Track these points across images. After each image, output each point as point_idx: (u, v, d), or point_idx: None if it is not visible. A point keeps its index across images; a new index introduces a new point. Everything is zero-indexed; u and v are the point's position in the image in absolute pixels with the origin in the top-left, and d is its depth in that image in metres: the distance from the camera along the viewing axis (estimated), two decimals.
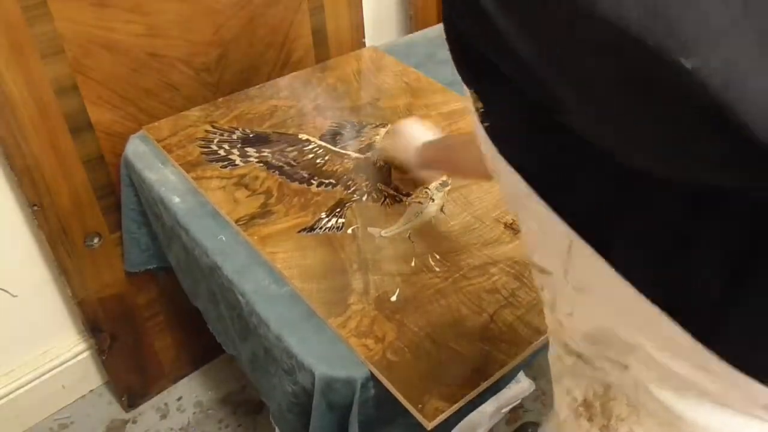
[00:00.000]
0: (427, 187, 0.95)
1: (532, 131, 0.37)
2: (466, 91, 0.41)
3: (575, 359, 0.46)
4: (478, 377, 0.70)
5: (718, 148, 0.26)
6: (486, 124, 0.39)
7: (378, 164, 0.99)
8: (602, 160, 0.33)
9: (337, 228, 0.89)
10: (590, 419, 0.46)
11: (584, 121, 0.31)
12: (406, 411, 0.68)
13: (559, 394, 0.51)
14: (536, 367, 1.48)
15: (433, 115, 1.11)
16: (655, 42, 0.23)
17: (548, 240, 0.41)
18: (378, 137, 1.06)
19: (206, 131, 1.07)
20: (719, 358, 0.33)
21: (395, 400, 0.69)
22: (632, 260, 0.35)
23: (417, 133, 0.91)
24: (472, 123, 0.43)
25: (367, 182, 0.97)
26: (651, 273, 0.35)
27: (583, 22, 0.25)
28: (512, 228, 0.88)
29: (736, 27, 0.23)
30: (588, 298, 0.41)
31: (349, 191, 0.95)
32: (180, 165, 1.00)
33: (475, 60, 0.36)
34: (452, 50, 0.38)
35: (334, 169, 1.00)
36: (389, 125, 1.09)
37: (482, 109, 0.39)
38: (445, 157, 0.86)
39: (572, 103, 0.30)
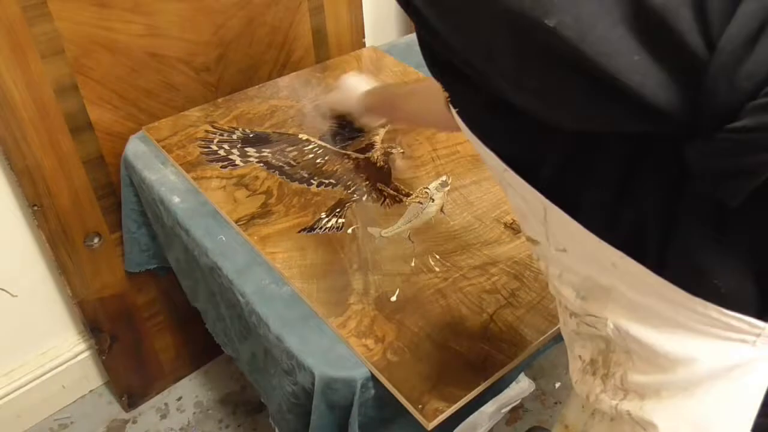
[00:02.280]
0: (427, 188, 0.95)
1: (492, 114, 0.43)
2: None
3: (577, 321, 0.50)
4: (478, 377, 0.70)
5: (595, 96, 0.32)
6: (456, 110, 0.46)
7: (329, 118, 1.08)
8: (553, 132, 0.38)
9: (337, 228, 0.89)
10: (594, 373, 0.51)
11: (508, 91, 0.37)
12: (406, 411, 0.68)
13: (572, 362, 0.55)
14: (536, 367, 1.48)
15: None
16: (525, 9, 0.31)
17: (530, 210, 0.47)
18: (378, 137, 1.06)
19: (206, 131, 1.07)
20: (673, 285, 0.39)
21: (395, 400, 0.69)
22: (594, 215, 0.41)
23: (359, 84, 1.00)
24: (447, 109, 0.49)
25: (367, 182, 0.97)
26: (610, 224, 0.41)
27: (481, 5, 0.33)
28: (512, 228, 0.88)
29: None
30: (568, 257, 0.46)
31: (349, 191, 0.95)
32: (180, 165, 1.00)
33: (435, 56, 0.44)
34: (420, 47, 0.46)
35: (334, 169, 1.00)
36: (389, 125, 1.09)
37: (449, 98, 0.45)
38: (387, 104, 0.94)
39: (493, 77, 0.37)
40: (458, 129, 0.52)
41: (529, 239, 0.52)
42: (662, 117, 0.31)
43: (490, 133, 0.45)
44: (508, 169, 0.44)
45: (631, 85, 0.30)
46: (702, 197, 0.37)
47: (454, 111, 0.46)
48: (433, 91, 0.68)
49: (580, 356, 0.53)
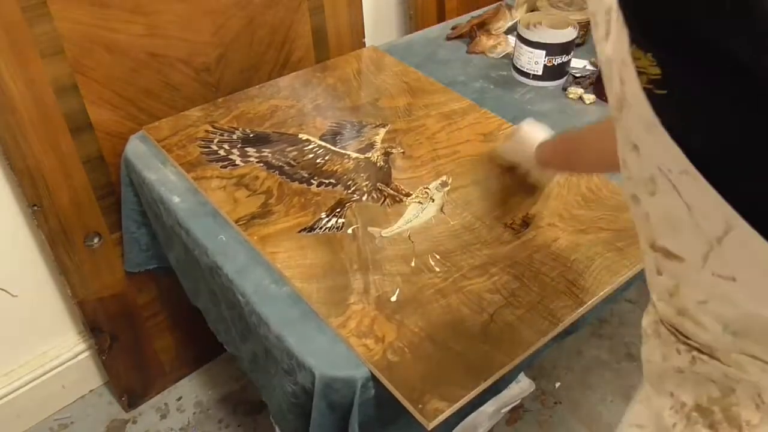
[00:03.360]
0: (427, 187, 0.95)
1: (719, 107, 0.34)
2: (625, 54, 0.37)
3: (693, 356, 0.44)
4: (478, 377, 0.70)
5: None
6: (661, 92, 0.36)
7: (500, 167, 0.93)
8: None
9: (337, 228, 0.89)
10: (711, 426, 0.44)
11: None
12: (407, 411, 0.68)
13: (656, 396, 0.49)
14: (536, 367, 1.48)
15: (433, 115, 1.11)
16: None
17: (695, 223, 0.39)
18: (378, 137, 1.06)
19: (206, 131, 1.07)
20: None
21: (395, 400, 0.69)
22: None
23: (536, 134, 0.87)
24: (621, 91, 0.40)
25: (367, 182, 0.97)
26: None
27: None
28: (512, 228, 0.88)
29: None
30: (734, 287, 0.39)
31: (349, 191, 0.95)
32: (180, 165, 1.00)
33: (669, 23, 0.34)
34: (640, 7, 0.36)
35: (334, 169, 1.00)
36: (389, 125, 1.09)
37: (658, 76, 0.36)
38: (563, 150, 0.82)
39: None
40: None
41: (662, 251, 0.44)
42: None
43: (697, 126, 0.36)
44: (691, 168, 0.36)
45: None
46: None
47: (644, 95, 0.37)
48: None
49: (673, 394, 0.47)
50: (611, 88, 0.40)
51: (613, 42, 0.38)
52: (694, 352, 0.44)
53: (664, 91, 0.36)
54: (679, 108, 0.36)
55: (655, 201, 0.42)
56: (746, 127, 0.33)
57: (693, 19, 0.31)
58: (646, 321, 0.49)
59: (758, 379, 0.40)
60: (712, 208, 0.36)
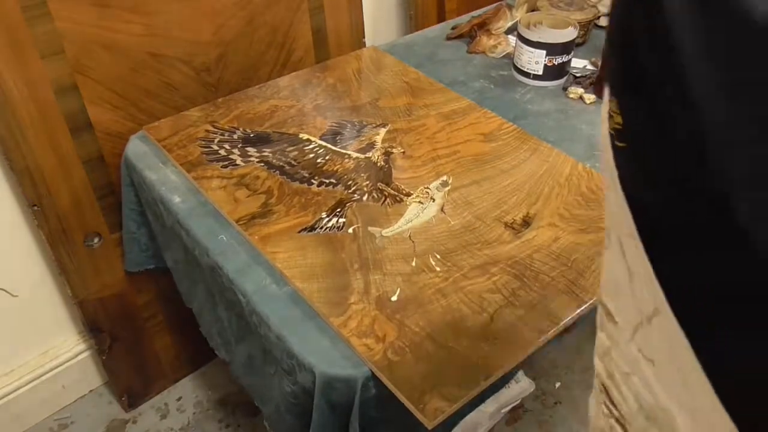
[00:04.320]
0: (427, 187, 0.95)
1: (676, 171, 0.30)
2: (604, 100, 0.35)
3: (611, 424, 0.42)
4: (479, 377, 0.70)
5: None
6: (621, 144, 0.33)
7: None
8: (745, 245, 0.27)
9: (338, 228, 0.89)
10: None
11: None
12: (407, 411, 0.68)
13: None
14: (536, 367, 1.48)
15: (434, 115, 1.11)
16: None
17: (632, 293, 0.36)
18: (378, 137, 1.06)
19: (206, 131, 1.07)
20: None
21: (396, 399, 0.69)
22: (726, 365, 0.30)
23: None
24: (602, 132, 0.37)
25: (367, 182, 0.97)
26: (744, 388, 0.30)
27: None
28: (512, 228, 0.88)
29: None
30: (652, 371, 0.37)
31: (350, 191, 0.95)
32: (180, 165, 1.00)
33: (636, 70, 0.31)
34: (613, 54, 0.33)
35: (335, 168, 1.00)
36: (389, 125, 1.09)
37: (620, 126, 0.33)
38: None
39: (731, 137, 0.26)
40: None
41: (606, 310, 0.41)
42: None
43: (647, 189, 0.32)
44: (640, 245, 0.33)
45: None
46: None
47: (610, 145, 0.34)
48: None
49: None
50: None
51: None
52: (612, 420, 0.42)
53: (623, 144, 0.33)
54: (633, 165, 0.33)
55: (606, 255, 0.40)
56: (693, 200, 0.30)
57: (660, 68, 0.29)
58: (595, 385, 0.46)
59: None
60: (647, 283, 0.33)
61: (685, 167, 0.29)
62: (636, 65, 0.30)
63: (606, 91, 0.34)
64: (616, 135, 0.33)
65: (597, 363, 0.44)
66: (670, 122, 0.29)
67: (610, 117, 0.33)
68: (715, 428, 0.31)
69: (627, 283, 0.37)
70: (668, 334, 0.32)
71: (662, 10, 0.26)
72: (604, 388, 0.43)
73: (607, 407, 0.42)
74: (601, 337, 0.43)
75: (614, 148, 0.34)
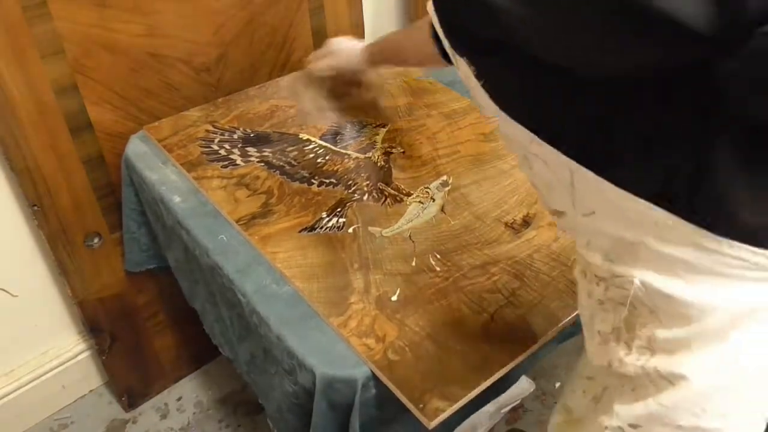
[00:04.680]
0: (427, 187, 0.95)
1: (522, 83, 0.45)
2: (461, 63, 0.48)
3: (605, 286, 0.51)
4: (479, 377, 0.70)
5: (634, 32, 0.34)
6: (482, 82, 0.47)
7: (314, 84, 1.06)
8: (582, 91, 0.41)
9: (338, 227, 0.89)
10: (617, 339, 0.51)
11: (547, 48, 0.40)
12: (407, 411, 0.68)
13: (589, 342, 0.56)
14: (536, 367, 1.48)
15: (434, 115, 1.11)
16: None
17: (556, 178, 0.47)
18: (378, 137, 1.06)
19: (207, 131, 1.07)
20: (704, 230, 0.40)
21: (396, 399, 0.69)
22: (624, 170, 0.42)
23: (351, 43, 1.00)
24: (468, 84, 0.51)
25: (367, 182, 0.97)
26: (640, 176, 0.42)
27: None
28: (512, 227, 0.88)
29: None
30: (596, 219, 0.47)
31: (350, 191, 0.95)
32: (181, 165, 1.00)
33: (463, 32, 0.46)
34: (443, 26, 0.48)
35: (335, 168, 1.00)
36: (389, 125, 1.09)
37: (475, 71, 0.47)
38: (392, 46, 0.92)
39: (534, 33, 0.40)
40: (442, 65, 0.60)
41: (554, 212, 0.52)
42: (697, 37, 0.32)
43: (517, 103, 0.46)
44: (535, 137, 0.45)
45: (667, 11, 0.31)
46: (734, 126, 0.37)
47: (478, 84, 0.48)
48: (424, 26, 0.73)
49: (599, 332, 0.53)
50: None
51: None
52: (603, 282, 0.51)
53: (482, 81, 0.48)
54: (496, 92, 0.47)
55: (533, 174, 0.51)
56: (530, 90, 0.45)
57: (470, 27, 0.45)
58: (576, 270, 0.56)
59: (633, 293, 0.47)
60: (556, 160, 0.45)
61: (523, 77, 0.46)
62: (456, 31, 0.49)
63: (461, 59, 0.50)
64: (477, 79, 0.48)
65: (579, 256, 0.54)
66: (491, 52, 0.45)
67: (471, 70, 0.49)
68: (645, 216, 0.43)
69: (551, 175, 0.48)
70: (587, 182, 0.44)
71: None
72: (584, 274, 0.53)
73: (595, 276, 0.51)
74: (563, 235, 0.59)
75: (484, 89, 0.48)
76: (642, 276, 0.46)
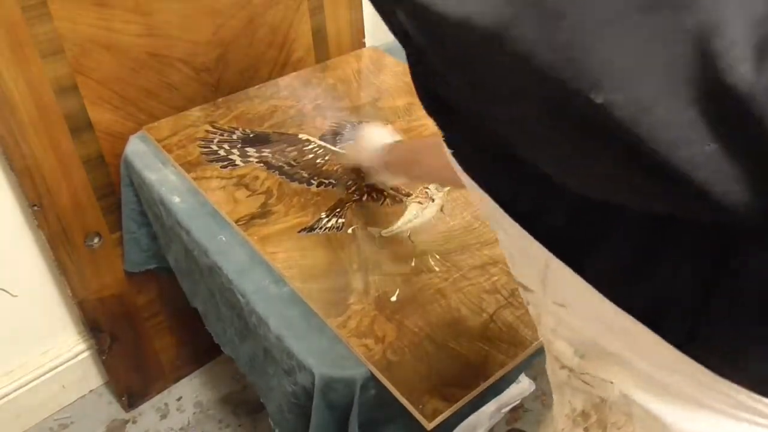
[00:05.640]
0: (427, 187, 0.95)
1: (493, 160, 0.38)
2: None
3: (568, 373, 0.46)
4: (478, 377, 0.70)
5: (640, 178, 0.27)
6: (451, 151, 0.40)
7: (341, 168, 1.00)
8: (562, 186, 0.33)
9: (337, 228, 0.89)
10: (586, 429, 0.46)
11: (520, 148, 0.32)
12: (406, 411, 0.68)
13: (558, 402, 0.51)
14: (536, 367, 1.48)
15: None
16: (565, 78, 0.25)
17: (526, 257, 0.42)
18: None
19: (206, 131, 1.07)
20: (700, 365, 0.34)
21: (395, 400, 0.69)
22: (607, 276, 0.35)
23: (380, 137, 0.89)
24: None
25: (367, 182, 0.97)
26: (626, 287, 0.35)
27: (505, 67, 0.27)
28: None
29: (641, 66, 0.24)
30: (569, 313, 0.41)
31: (349, 191, 0.95)
32: (180, 165, 1.00)
33: (428, 90, 0.38)
34: (412, 77, 0.39)
35: (334, 169, 1.00)
36: (389, 125, 1.09)
37: (444, 138, 0.40)
38: (410, 159, 0.84)
39: (506, 131, 0.32)
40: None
41: (521, 285, 0.46)
42: (728, 213, 0.26)
43: (488, 177, 0.39)
44: (506, 215, 0.39)
45: (696, 180, 0.25)
46: (751, 287, 0.31)
47: (447, 151, 0.41)
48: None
49: (570, 402, 0.48)
50: None
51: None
52: (566, 371, 0.45)
53: (451, 150, 0.40)
54: (466, 163, 0.40)
55: (499, 235, 0.45)
56: (501, 169, 0.38)
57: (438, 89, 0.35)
58: (539, 333, 0.51)
59: (604, 393, 0.41)
60: (529, 243, 0.38)
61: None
62: (431, 94, 0.38)
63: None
64: (447, 145, 0.40)
65: (539, 332, 0.48)
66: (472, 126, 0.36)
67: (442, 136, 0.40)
68: (629, 331, 0.35)
69: (520, 251, 0.43)
70: (563, 275, 0.37)
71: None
72: (549, 348, 0.47)
73: (556, 363, 0.47)
74: (530, 310, 0.48)
75: (452, 155, 0.41)
76: (623, 387, 0.39)
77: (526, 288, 0.46)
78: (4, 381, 1.29)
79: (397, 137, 0.90)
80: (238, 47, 1.18)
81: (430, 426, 0.66)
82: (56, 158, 1.04)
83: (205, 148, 1.03)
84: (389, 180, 0.90)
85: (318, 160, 1.01)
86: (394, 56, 1.28)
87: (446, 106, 0.37)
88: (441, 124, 0.39)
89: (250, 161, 1.01)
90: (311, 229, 0.88)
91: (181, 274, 1.05)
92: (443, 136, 0.40)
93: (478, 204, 0.47)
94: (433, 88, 0.37)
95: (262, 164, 1.00)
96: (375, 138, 0.89)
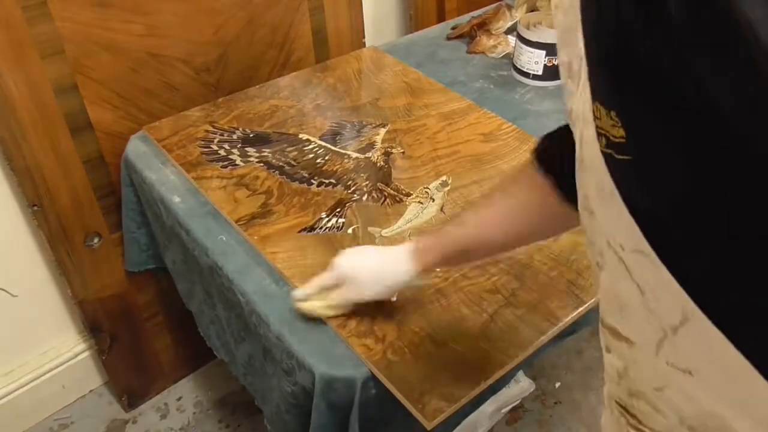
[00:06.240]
0: (427, 187, 0.95)
1: (693, 177, 0.29)
2: (588, 112, 0.32)
3: None
4: (478, 377, 0.70)
5: None
6: (623, 158, 0.31)
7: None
8: (755, 225, 0.27)
9: (338, 228, 0.89)
10: None
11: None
12: (407, 411, 0.68)
13: None
14: (536, 367, 1.48)
15: (434, 115, 1.11)
16: None
17: (647, 308, 0.35)
18: (378, 137, 1.06)
19: (206, 131, 1.07)
20: None
21: (396, 400, 0.69)
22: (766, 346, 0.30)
23: (379, 257, 0.71)
24: (579, 152, 0.35)
25: (367, 182, 0.97)
26: None
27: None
28: None
29: None
30: (691, 380, 0.35)
31: (350, 191, 0.95)
32: (180, 165, 1.00)
33: (642, 82, 0.29)
34: (601, 64, 0.31)
35: (335, 168, 1.00)
36: (389, 125, 1.09)
37: (622, 140, 0.30)
38: (458, 250, 0.66)
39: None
40: (561, 230, 0.46)
41: (613, 331, 0.39)
42: None
43: (658, 199, 0.31)
44: (650, 252, 0.31)
45: None
46: None
47: (603, 161, 0.32)
48: (522, 188, 0.55)
49: None
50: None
51: (581, 96, 0.34)
52: None
53: (627, 158, 0.31)
54: (641, 178, 0.31)
55: (603, 276, 0.38)
56: (713, 205, 0.29)
57: (667, 64, 0.26)
58: (605, 390, 0.45)
59: None
60: (667, 294, 0.32)
61: (703, 170, 0.28)
62: (636, 69, 0.28)
63: (590, 108, 0.32)
64: (616, 149, 0.31)
65: (610, 386, 0.41)
66: (682, 123, 0.27)
67: (602, 135, 0.31)
68: (762, 399, 0.30)
69: (639, 301, 0.35)
70: (703, 339, 0.31)
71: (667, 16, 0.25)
72: (625, 409, 0.40)
73: (634, 428, 0.40)
74: (610, 358, 0.41)
75: (613, 164, 0.32)
76: None
77: (620, 336, 0.39)
78: (4, 381, 1.29)
79: (388, 249, 0.71)
80: (239, 47, 1.18)
81: (430, 426, 0.66)
82: (56, 158, 1.04)
83: (205, 148, 1.03)
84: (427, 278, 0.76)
85: (318, 160, 1.01)
86: (394, 56, 1.28)
87: (654, 104, 0.28)
88: (629, 122, 0.30)
89: (250, 161, 1.01)
90: (311, 228, 0.88)
91: (178, 275, 1.05)
92: (617, 139, 0.30)
93: (594, 233, 0.37)
94: (642, 79, 0.28)
95: (262, 164, 1.00)
96: (374, 260, 0.71)
